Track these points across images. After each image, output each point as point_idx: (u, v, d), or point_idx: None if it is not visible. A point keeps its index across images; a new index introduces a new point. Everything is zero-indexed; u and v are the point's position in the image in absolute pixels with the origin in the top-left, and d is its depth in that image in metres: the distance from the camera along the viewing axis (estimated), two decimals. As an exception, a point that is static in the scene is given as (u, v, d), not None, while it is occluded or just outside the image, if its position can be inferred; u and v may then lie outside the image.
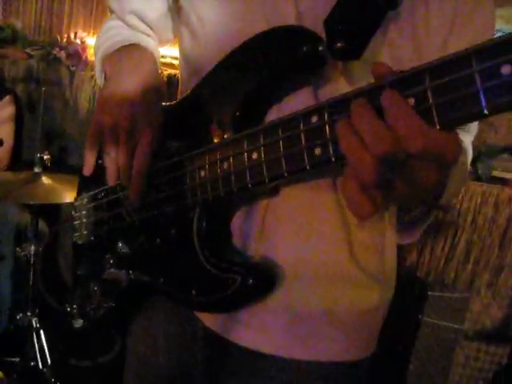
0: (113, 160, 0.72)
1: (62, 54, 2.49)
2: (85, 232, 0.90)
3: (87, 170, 0.76)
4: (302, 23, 0.66)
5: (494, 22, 0.77)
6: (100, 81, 0.88)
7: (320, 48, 0.62)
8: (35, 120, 2.58)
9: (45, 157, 1.82)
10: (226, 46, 0.70)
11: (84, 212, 0.90)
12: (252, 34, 0.67)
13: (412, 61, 0.68)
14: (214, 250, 0.71)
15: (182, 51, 0.87)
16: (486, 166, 1.81)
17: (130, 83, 0.74)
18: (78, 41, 2.52)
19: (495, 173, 1.87)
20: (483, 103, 0.42)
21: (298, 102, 0.67)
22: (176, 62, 2.28)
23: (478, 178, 1.86)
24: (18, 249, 1.89)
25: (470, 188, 1.90)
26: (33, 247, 1.87)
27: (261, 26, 0.67)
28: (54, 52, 2.53)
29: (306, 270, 0.73)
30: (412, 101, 0.46)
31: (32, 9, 2.77)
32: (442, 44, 0.71)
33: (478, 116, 0.44)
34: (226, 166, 0.64)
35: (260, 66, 0.66)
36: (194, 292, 0.72)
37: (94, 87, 2.43)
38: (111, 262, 0.84)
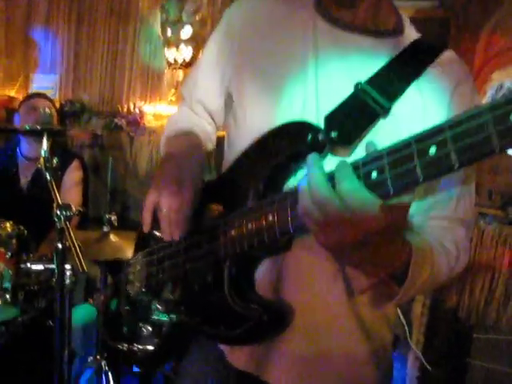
0: (165, 218, 0.93)
1: (123, 122, 2.91)
2: (138, 284, 1.11)
3: (146, 228, 0.98)
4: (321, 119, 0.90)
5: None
6: (162, 150, 1.16)
7: (320, 137, 0.84)
8: (100, 181, 2.99)
9: (112, 217, 2.15)
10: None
11: (138, 268, 1.12)
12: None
13: None
14: (240, 294, 0.90)
15: (227, 138, 1.12)
16: (517, 211, 1.97)
17: (179, 162, 1.00)
18: (137, 110, 2.93)
19: (527, 216, 2.02)
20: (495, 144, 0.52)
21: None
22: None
23: (510, 222, 2.02)
24: (89, 299, 2.21)
25: (503, 231, 2.06)
26: (102, 297, 2.18)
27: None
28: (116, 120, 2.95)
29: (309, 319, 0.94)
30: (434, 149, 0.58)
31: (97, 84, 3.29)
32: None
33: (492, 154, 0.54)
34: (250, 226, 0.84)
35: (277, 151, 0.90)
36: (222, 327, 0.93)
37: (151, 151, 2.81)
38: (159, 307, 1.05)
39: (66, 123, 3.20)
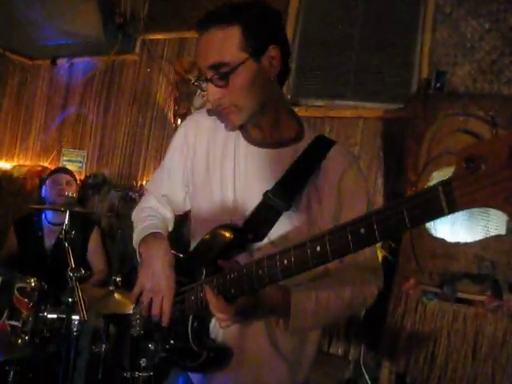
0: (145, 308, 1.34)
1: (136, 196, 3.53)
2: (138, 328, 1.46)
3: (132, 301, 1.41)
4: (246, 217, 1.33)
5: (366, 202, 1.34)
6: (136, 248, 1.46)
7: (242, 238, 1.29)
8: (113, 245, 3.56)
9: (117, 279, 2.68)
10: (206, 228, 1.36)
11: (138, 316, 1.50)
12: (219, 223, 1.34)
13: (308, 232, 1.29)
14: (198, 338, 1.29)
15: (191, 217, 1.53)
16: (451, 290, 2.42)
17: (156, 264, 1.34)
18: (148, 186, 3.56)
19: (461, 294, 2.46)
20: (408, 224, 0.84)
21: (241, 260, 1.28)
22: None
23: (446, 299, 2.47)
24: (93, 346, 2.69)
25: (442, 307, 2.50)
26: (104, 346, 2.66)
27: (226, 218, 1.34)
28: (131, 194, 3.58)
29: (243, 356, 1.33)
30: (363, 230, 0.90)
31: (116, 161, 3.95)
32: (332, 219, 1.29)
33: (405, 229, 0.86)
34: (200, 294, 1.28)
35: (216, 245, 1.33)
36: (187, 361, 1.31)
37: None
38: (151, 346, 1.43)
39: (89, 193, 3.85)
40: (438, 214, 0.81)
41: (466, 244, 2.44)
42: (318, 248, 1.00)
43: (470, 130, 2.47)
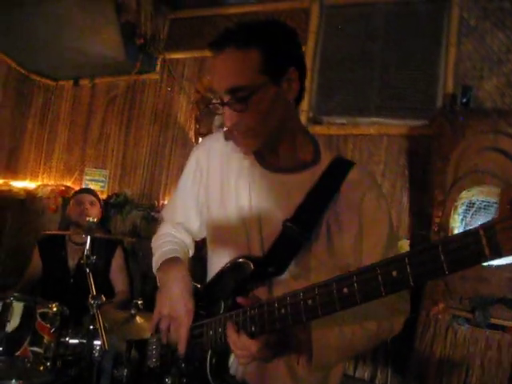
0: (163, 335, 1.32)
1: (158, 215, 3.50)
2: (154, 359, 1.42)
3: (152, 330, 1.37)
4: (264, 247, 1.28)
5: (388, 226, 1.27)
6: (155, 272, 1.43)
7: (262, 270, 1.25)
8: (136, 266, 3.54)
9: (139, 302, 2.64)
10: (224, 258, 1.32)
11: (154, 347, 1.47)
12: (237, 252, 1.31)
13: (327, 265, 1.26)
14: (217, 374, 1.28)
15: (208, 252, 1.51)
16: (482, 315, 2.31)
17: (173, 289, 1.31)
18: (170, 205, 3.54)
19: (494, 320, 2.35)
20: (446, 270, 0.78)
21: (259, 293, 1.25)
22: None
23: (478, 325, 2.35)
24: (114, 370, 2.65)
25: (474, 333, 2.39)
26: (125, 370, 2.62)
27: (242, 248, 1.32)
28: (152, 213, 3.56)
29: None
30: (395, 273, 0.84)
31: (138, 180, 3.94)
32: (353, 246, 1.24)
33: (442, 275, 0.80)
34: (220, 329, 1.24)
35: (235, 277, 1.28)
36: None
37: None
38: (168, 380, 1.38)
39: (111, 212, 3.84)
40: (479, 259, 0.75)
41: (498, 267, 2.33)
42: (345, 289, 0.93)
43: (501, 148, 2.37)
